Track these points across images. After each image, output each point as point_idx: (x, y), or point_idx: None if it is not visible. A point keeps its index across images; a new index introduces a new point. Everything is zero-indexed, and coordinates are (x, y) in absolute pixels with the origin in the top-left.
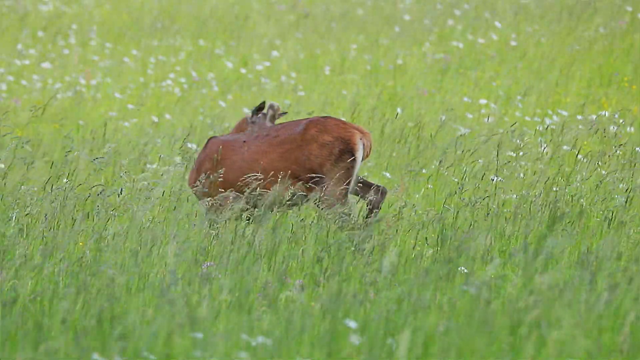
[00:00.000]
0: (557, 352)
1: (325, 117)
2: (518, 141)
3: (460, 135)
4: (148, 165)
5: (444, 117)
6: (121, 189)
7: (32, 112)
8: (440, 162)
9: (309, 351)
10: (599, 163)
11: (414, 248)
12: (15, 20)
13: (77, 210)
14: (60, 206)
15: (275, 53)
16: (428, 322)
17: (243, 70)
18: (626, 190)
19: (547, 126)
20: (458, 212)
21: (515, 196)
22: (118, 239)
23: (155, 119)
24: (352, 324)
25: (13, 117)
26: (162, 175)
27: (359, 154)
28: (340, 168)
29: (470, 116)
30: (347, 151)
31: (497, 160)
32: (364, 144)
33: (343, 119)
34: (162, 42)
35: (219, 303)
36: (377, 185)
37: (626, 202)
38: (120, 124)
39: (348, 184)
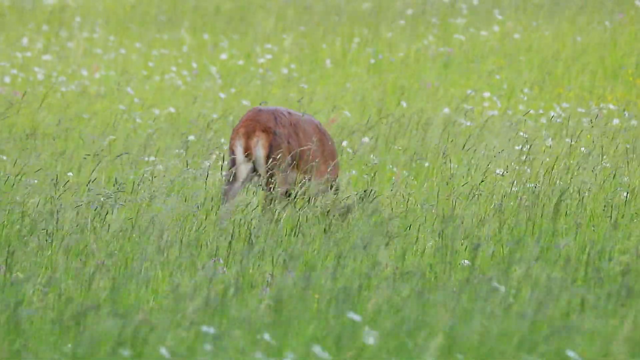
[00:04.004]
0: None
1: (258, 109)
2: (522, 134)
3: (464, 128)
4: (152, 157)
5: (447, 110)
6: (134, 184)
7: (35, 105)
8: (443, 154)
9: (319, 345)
10: (603, 156)
11: (416, 241)
12: (20, 13)
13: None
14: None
15: (278, 46)
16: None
17: (241, 62)
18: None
19: (551, 119)
20: (458, 203)
21: (519, 188)
22: (124, 231)
23: (157, 112)
24: (357, 317)
25: (15, 109)
26: (167, 166)
27: (237, 154)
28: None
29: (473, 109)
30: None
31: (503, 153)
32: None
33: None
34: (165, 35)
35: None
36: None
37: (628, 195)
38: (125, 116)
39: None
